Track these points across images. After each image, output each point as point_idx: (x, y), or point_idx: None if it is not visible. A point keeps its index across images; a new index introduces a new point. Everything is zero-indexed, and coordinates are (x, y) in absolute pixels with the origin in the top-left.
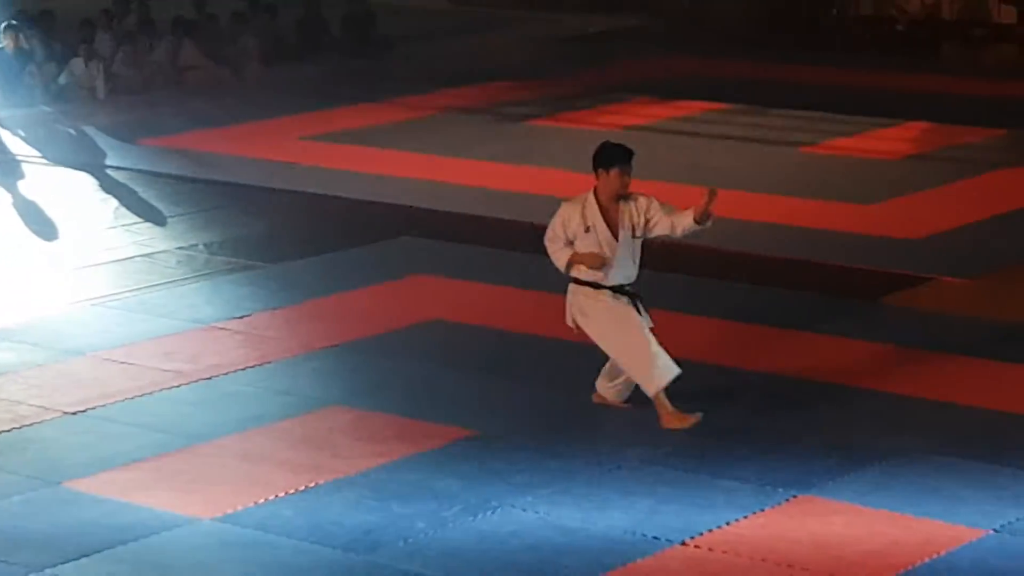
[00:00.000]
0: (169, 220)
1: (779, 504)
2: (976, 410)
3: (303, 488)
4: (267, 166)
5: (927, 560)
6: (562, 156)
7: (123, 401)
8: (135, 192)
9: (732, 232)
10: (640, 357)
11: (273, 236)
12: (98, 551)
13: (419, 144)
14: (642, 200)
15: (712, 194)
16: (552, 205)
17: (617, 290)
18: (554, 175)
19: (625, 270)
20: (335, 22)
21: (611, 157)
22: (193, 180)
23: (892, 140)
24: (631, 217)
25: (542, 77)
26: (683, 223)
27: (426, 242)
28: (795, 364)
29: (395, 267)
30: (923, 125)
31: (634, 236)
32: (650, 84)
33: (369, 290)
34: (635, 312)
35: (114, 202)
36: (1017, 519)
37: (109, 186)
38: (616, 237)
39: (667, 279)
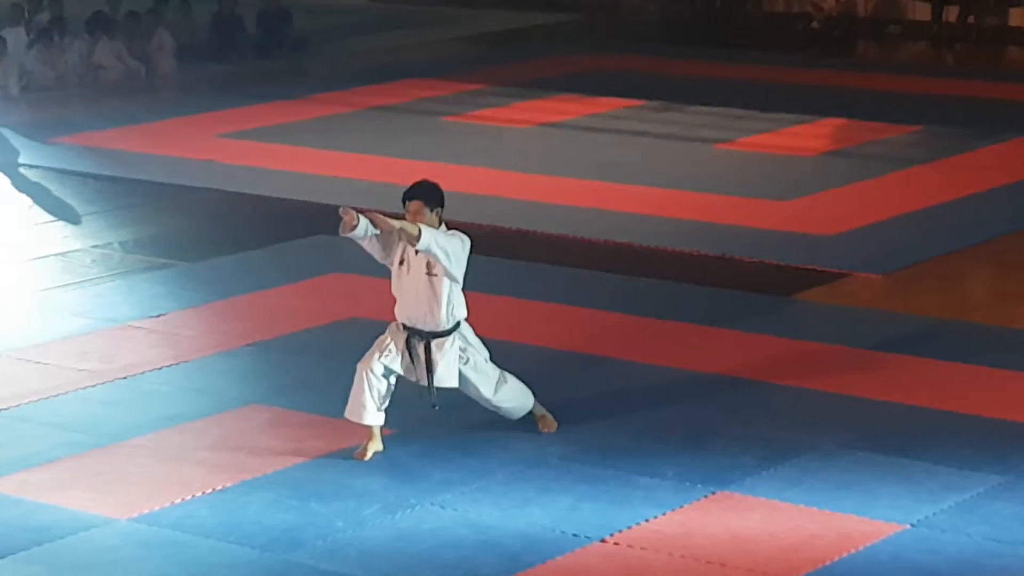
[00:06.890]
0: (84, 218)
1: (697, 500)
2: (890, 405)
3: (220, 488)
4: (183, 164)
5: (845, 555)
6: (478, 153)
7: (37, 401)
8: (49, 190)
9: (647, 228)
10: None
11: (189, 234)
12: (13, 552)
13: (336, 141)
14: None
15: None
16: (467, 202)
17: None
18: (470, 172)
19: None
20: (250, 19)
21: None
22: (108, 178)
23: (808, 137)
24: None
25: (459, 74)
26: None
27: (343, 240)
28: (710, 360)
29: (312, 265)
30: (839, 122)
31: (428, 273)
32: (566, 81)
33: (286, 288)
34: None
35: (27, 200)
36: (933, 514)
37: (22, 184)
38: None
39: (580, 274)
